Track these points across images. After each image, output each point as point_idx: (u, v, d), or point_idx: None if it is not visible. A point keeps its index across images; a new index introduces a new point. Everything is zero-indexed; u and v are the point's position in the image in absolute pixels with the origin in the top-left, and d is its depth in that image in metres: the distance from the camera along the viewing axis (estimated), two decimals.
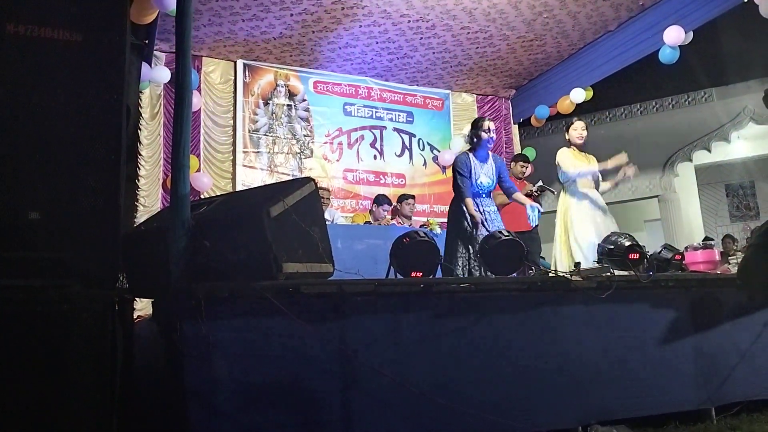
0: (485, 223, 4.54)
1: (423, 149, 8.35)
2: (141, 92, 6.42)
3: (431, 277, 3.47)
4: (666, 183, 10.71)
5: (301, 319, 2.64)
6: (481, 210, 4.60)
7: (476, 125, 4.77)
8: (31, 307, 2.43)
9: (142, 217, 5.98)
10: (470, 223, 4.51)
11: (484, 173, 4.69)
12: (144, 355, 2.89)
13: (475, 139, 4.73)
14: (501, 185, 4.85)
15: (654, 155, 10.69)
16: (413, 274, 3.40)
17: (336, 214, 7.01)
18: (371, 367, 2.76)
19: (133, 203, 6.19)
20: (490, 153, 4.82)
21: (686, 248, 6.21)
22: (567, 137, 5.30)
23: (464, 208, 4.54)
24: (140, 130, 6.49)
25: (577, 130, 5.24)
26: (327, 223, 3.37)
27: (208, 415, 2.50)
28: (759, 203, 11.95)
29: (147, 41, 5.79)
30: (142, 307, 4.02)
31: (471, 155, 4.71)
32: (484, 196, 4.69)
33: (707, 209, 11.95)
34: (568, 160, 5.09)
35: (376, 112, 8.14)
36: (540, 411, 3.11)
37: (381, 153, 8.11)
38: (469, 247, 4.48)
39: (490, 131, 4.72)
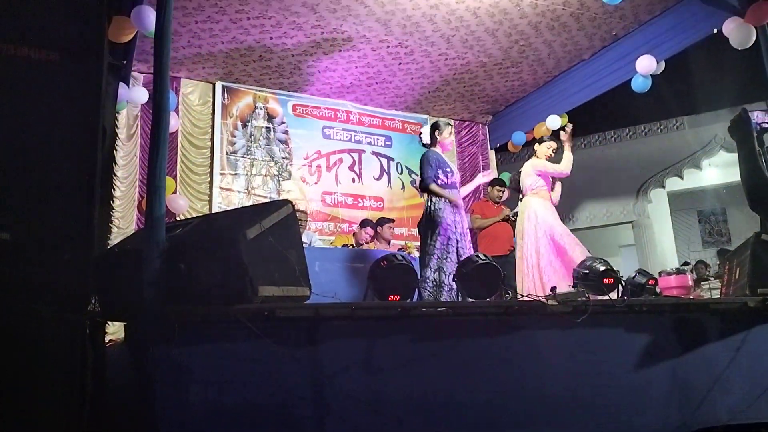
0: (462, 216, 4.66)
1: (401, 173, 8.40)
2: (118, 113, 6.36)
3: (409, 300, 3.46)
4: (640, 209, 10.88)
5: (276, 343, 2.61)
6: (460, 202, 4.72)
7: (439, 127, 4.88)
8: (0, 331, 2.37)
9: (116, 238, 5.89)
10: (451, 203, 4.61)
11: (452, 166, 4.86)
12: (116, 380, 2.83)
13: (437, 139, 4.86)
14: None
15: (628, 182, 10.88)
16: (390, 297, 3.39)
17: (314, 236, 6.98)
18: (347, 392, 2.73)
19: (108, 224, 6.10)
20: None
21: (660, 273, 6.31)
22: (536, 151, 5.49)
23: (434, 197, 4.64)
24: (116, 150, 6.41)
25: (551, 149, 5.36)
26: (304, 245, 3.35)
27: None
28: (730, 229, 12.19)
29: (125, 61, 5.76)
30: (115, 330, 3.94)
31: (437, 150, 4.84)
32: (455, 189, 4.77)
33: (680, 235, 12.15)
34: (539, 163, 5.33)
35: (354, 135, 8.17)
36: None
37: (359, 176, 8.13)
38: (443, 239, 4.54)
39: (450, 136, 4.90)
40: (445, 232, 4.56)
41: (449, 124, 4.99)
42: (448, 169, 4.73)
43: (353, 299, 4.26)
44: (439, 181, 4.67)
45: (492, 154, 9.06)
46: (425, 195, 4.78)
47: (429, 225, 4.65)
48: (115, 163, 6.40)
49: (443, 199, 4.63)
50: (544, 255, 4.98)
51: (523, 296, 3.81)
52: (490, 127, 9.02)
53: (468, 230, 4.78)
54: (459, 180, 4.89)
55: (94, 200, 2.67)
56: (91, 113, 2.73)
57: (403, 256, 3.88)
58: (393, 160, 8.41)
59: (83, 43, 2.78)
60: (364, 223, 6.95)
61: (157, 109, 2.84)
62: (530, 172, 5.36)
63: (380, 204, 8.16)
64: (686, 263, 9.53)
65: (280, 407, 2.63)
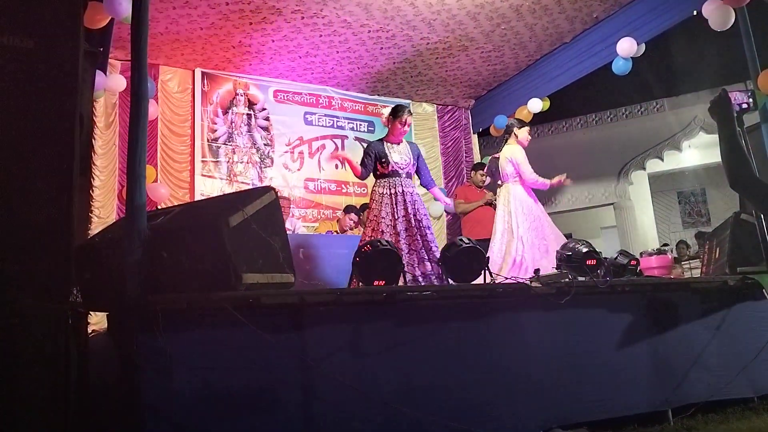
0: (409, 204, 4.59)
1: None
2: (95, 101, 6.28)
3: (393, 285, 3.47)
4: (621, 191, 10.99)
5: (261, 330, 2.61)
6: (402, 191, 4.63)
7: (397, 114, 4.79)
8: None
9: (96, 228, 5.84)
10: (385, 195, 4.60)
11: (396, 152, 4.74)
12: (99, 371, 2.81)
13: (389, 125, 4.82)
14: (420, 176, 4.89)
15: (609, 164, 10.98)
16: (375, 282, 3.40)
17: (297, 223, 6.96)
18: (333, 376, 2.74)
19: (87, 214, 6.04)
20: (404, 140, 4.87)
21: (641, 254, 6.38)
22: (516, 135, 5.33)
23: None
24: (95, 139, 6.33)
25: (527, 133, 5.28)
26: (288, 232, 3.34)
27: (168, 431, 2.44)
28: (710, 210, 12.36)
29: (102, 49, 5.67)
30: (97, 320, 3.91)
31: (384, 141, 4.79)
32: (403, 175, 4.71)
33: (660, 216, 12.31)
34: (525, 158, 5.19)
35: (337, 121, 8.12)
36: (503, 416, 3.13)
37: (342, 162, 8.09)
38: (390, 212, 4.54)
39: (405, 125, 4.78)
40: (376, 224, 4.56)
41: (409, 112, 4.86)
42: (384, 160, 4.67)
43: (338, 285, 4.26)
44: (378, 172, 4.70)
45: (474, 138, 9.06)
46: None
47: (372, 209, 4.69)
48: (94, 152, 6.32)
49: (381, 190, 4.64)
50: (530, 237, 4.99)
51: (507, 279, 3.84)
52: (472, 111, 9.01)
53: (423, 219, 4.63)
54: (409, 166, 4.77)
55: (73, 189, 2.63)
56: (68, 101, 2.68)
57: (387, 242, 3.88)
58: None
59: (58, 29, 2.73)
60: (347, 209, 6.95)
61: (136, 97, 2.81)
62: (509, 159, 5.24)
63: (364, 190, 8.13)
64: (665, 245, 9.66)
65: (266, 392, 2.63)
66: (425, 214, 4.66)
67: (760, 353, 3.85)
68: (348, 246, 4.84)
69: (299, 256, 4.43)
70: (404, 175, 4.70)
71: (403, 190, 4.63)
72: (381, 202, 4.59)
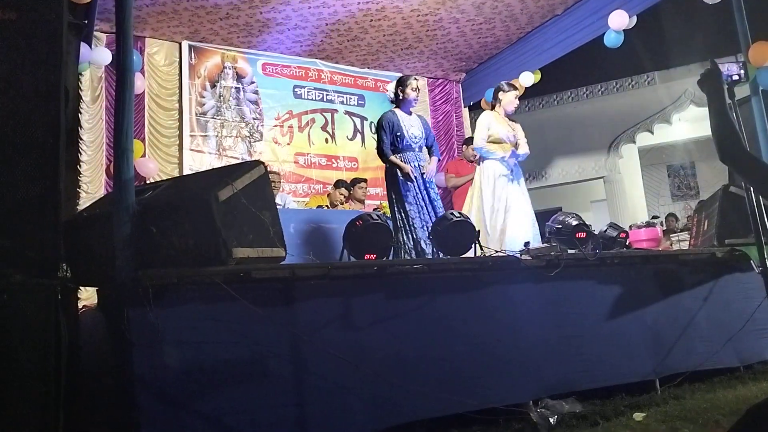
0: (419, 177, 4.61)
1: (375, 133, 8.31)
2: (81, 74, 6.16)
3: (384, 258, 3.48)
4: (611, 164, 11.02)
5: (252, 304, 2.61)
6: (417, 164, 4.64)
7: (403, 82, 4.80)
8: None
9: (84, 204, 5.78)
10: (402, 175, 4.58)
11: (412, 125, 4.73)
12: (90, 346, 2.81)
13: (400, 96, 4.79)
14: (429, 148, 4.85)
15: (600, 137, 10.99)
16: (366, 256, 3.41)
17: (288, 198, 6.93)
18: (325, 349, 2.75)
19: (75, 189, 5.97)
20: (413, 111, 4.86)
21: (631, 227, 6.42)
22: (501, 99, 5.10)
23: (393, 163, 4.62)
24: (81, 113, 6.22)
25: (509, 98, 5.05)
26: (278, 207, 3.32)
27: (160, 405, 2.45)
28: (699, 183, 12.43)
29: (86, 21, 5.55)
30: (87, 296, 3.90)
31: (396, 111, 4.77)
32: (416, 149, 4.70)
33: (650, 189, 12.37)
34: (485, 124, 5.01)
35: (326, 94, 8.05)
36: (493, 387, 3.16)
37: (332, 136, 8.04)
38: (409, 199, 4.55)
39: (417, 90, 4.79)
40: (401, 200, 4.59)
41: (415, 78, 4.89)
42: (399, 133, 4.65)
43: (329, 260, 4.27)
44: (392, 147, 4.69)
45: (465, 112, 9.02)
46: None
47: (390, 192, 4.70)
48: (81, 127, 6.22)
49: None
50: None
51: (497, 252, 3.85)
52: (463, 84, 8.95)
53: (436, 193, 4.70)
54: (422, 140, 4.78)
55: (60, 164, 2.60)
56: (53, 74, 2.63)
57: (378, 216, 3.88)
58: (366, 119, 8.32)
59: (42, 1, 2.66)
60: (338, 184, 6.93)
61: (122, 70, 2.76)
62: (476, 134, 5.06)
63: (354, 164, 8.10)
64: (655, 217, 9.72)
65: (257, 366, 2.64)
66: (434, 188, 4.72)
67: (746, 324, 3.91)
68: (339, 221, 4.84)
69: (290, 230, 4.42)
70: (417, 149, 4.70)
71: (418, 165, 4.64)
72: (399, 176, 4.59)
